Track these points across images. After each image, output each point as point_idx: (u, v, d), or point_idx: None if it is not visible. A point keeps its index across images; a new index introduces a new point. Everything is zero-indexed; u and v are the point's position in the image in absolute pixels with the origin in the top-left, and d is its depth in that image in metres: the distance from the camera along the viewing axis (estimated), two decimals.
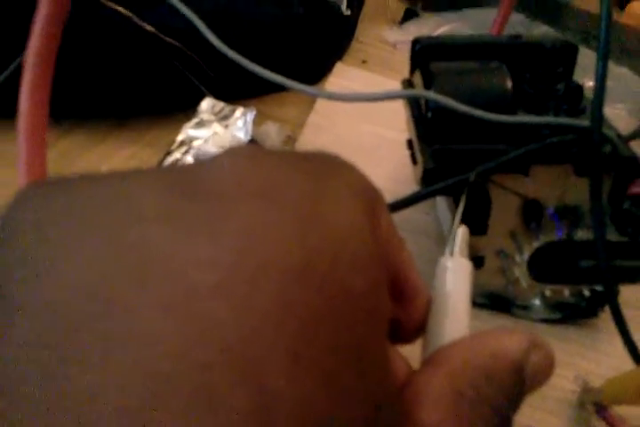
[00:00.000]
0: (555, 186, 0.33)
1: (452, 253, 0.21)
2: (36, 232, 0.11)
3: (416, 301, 0.17)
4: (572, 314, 0.35)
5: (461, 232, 0.22)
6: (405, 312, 0.17)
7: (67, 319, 0.09)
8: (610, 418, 0.29)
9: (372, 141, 0.50)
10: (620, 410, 0.29)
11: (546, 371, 0.16)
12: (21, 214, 0.11)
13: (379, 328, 0.12)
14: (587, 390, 0.30)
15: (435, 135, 0.33)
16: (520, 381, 0.15)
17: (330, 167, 0.13)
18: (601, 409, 0.29)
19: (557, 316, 0.35)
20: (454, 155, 0.32)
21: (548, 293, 0.35)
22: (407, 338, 0.18)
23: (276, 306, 0.10)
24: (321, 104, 0.53)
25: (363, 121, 0.52)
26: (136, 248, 0.10)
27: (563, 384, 0.31)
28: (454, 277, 0.19)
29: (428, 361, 0.15)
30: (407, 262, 0.16)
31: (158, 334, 0.09)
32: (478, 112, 0.31)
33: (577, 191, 0.33)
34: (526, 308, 0.35)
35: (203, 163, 0.12)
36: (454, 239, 0.22)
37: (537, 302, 0.35)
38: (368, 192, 0.14)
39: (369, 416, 0.10)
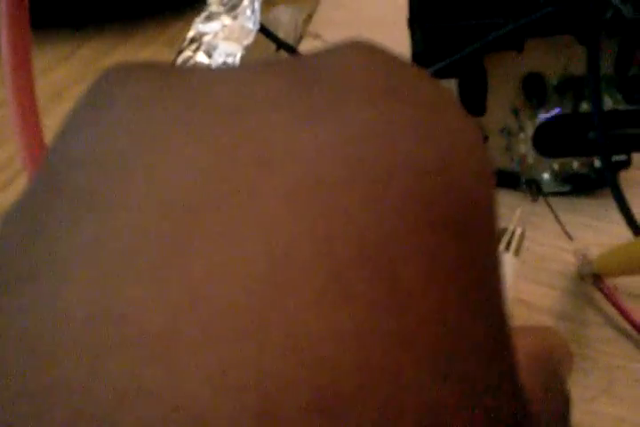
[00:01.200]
0: (556, 58, 0.32)
1: (508, 251, 0.22)
2: (139, 108, 0.10)
3: None
4: (583, 185, 0.35)
5: (518, 233, 0.24)
6: None
7: (186, 199, 0.09)
8: (605, 288, 0.30)
9: (392, 14, 0.48)
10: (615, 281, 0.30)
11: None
12: (117, 88, 0.10)
13: (496, 253, 0.11)
14: (586, 262, 0.31)
15: (427, 13, 0.32)
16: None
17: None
18: (597, 280, 0.30)
19: (567, 188, 0.35)
20: (444, 33, 0.31)
21: (556, 166, 0.35)
22: None
23: (411, 207, 0.09)
24: None
25: None
26: (256, 134, 0.09)
27: (564, 257, 0.32)
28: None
29: None
30: None
31: (286, 220, 0.08)
32: None
33: (581, 61, 0.31)
34: (535, 182, 0.35)
35: (321, 53, 0.11)
36: (511, 237, 0.23)
37: (546, 175, 0.35)
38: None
39: (496, 337, 0.10)
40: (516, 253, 0.25)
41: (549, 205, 0.33)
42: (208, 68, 0.11)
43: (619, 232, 0.31)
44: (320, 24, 0.48)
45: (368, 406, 0.08)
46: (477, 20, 0.31)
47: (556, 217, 0.33)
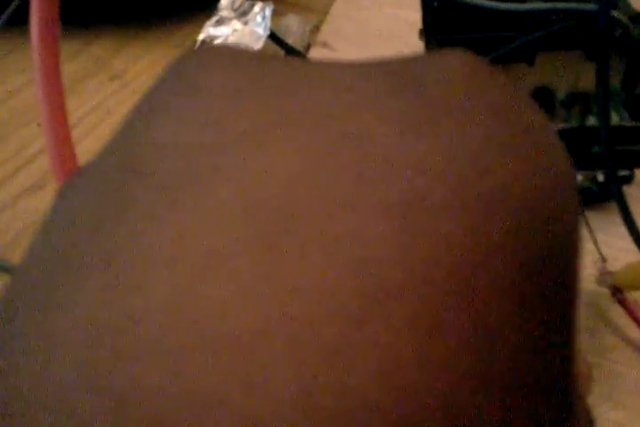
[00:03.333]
0: (566, 72, 0.32)
1: None
2: (228, 99, 0.09)
3: None
4: (586, 199, 0.36)
5: None
6: None
7: (274, 205, 0.08)
8: (625, 302, 0.30)
9: (398, 28, 0.49)
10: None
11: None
12: (202, 75, 0.10)
13: (578, 292, 0.10)
14: (605, 273, 0.31)
15: (440, 25, 0.32)
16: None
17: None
18: (617, 293, 0.30)
19: None
20: (457, 45, 0.32)
21: None
22: None
23: (510, 243, 0.09)
24: None
25: (388, 5, 0.51)
26: (355, 143, 0.09)
27: None
28: None
29: None
30: None
31: (381, 238, 0.08)
32: (479, 1, 0.30)
33: (589, 77, 0.32)
34: None
35: (423, 59, 0.11)
36: None
37: None
38: None
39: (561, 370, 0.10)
40: None
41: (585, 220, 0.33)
42: (297, 61, 0.11)
43: (622, 245, 0.32)
44: (328, 34, 0.48)
45: None
46: (490, 32, 0.32)
47: (592, 234, 0.33)
